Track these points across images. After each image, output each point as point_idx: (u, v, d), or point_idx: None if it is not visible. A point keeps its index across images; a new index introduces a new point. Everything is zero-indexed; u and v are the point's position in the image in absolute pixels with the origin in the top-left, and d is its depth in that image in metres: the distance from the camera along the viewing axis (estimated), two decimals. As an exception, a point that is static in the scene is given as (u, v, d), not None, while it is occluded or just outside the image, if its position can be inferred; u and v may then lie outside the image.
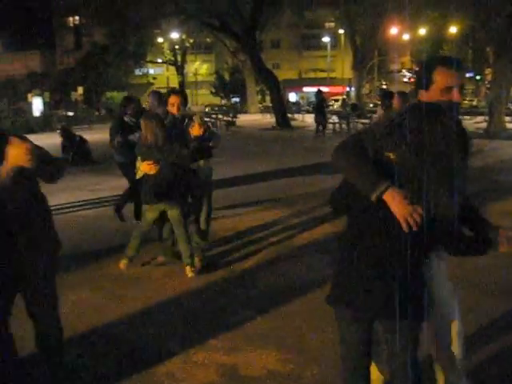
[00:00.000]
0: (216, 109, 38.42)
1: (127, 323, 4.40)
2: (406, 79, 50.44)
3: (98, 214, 8.62)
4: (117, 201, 8.06)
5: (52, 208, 3.19)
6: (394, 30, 36.73)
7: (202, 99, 49.51)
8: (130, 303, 4.79)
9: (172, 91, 5.67)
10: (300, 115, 36.53)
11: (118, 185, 10.65)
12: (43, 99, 35.71)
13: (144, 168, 5.16)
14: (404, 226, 2.21)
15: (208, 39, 48.51)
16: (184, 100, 5.65)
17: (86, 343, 4.06)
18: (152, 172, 5.11)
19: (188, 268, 5.38)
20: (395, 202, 2.22)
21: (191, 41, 45.27)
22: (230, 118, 28.83)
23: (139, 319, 4.47)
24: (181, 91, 5.89)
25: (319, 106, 22.91)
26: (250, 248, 6.36)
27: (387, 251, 2.32)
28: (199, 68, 52.75)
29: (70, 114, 35.23)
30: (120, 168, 7.72)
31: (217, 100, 52.19)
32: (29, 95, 38.38)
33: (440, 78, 2.49)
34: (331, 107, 37.51)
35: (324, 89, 29.17)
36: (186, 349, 3.90)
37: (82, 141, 15.44)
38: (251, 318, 4.39)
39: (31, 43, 62.08)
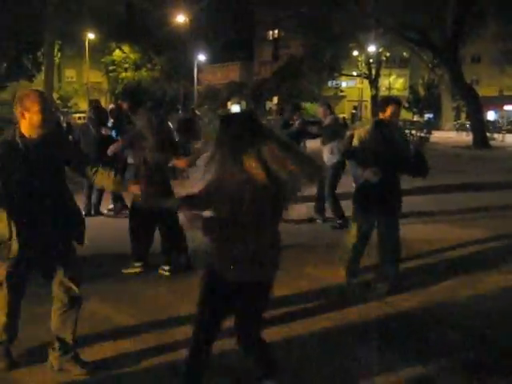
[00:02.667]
0: (409, 124, 37.50)
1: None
2: None
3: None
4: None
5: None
6: None
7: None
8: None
9: (391, 100, 5.59)
10: (500, 135, 34.14)
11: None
12: (241, 107, 37.88)
13: (371, 176, 5.16)
14: None
15: (404, 53, 47.61)
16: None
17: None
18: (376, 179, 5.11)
19: None
20: None
21: (387, 54, 44.80)
22: (423, 134, 27.93)
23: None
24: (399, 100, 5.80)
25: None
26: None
27: None
28: (393, 82, 51.94)
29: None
30: None
31: (409, 115, 50.93)
32: (228, 103, 41.06)
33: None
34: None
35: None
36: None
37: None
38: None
39: (233, 56, 66.26)
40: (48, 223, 3.40)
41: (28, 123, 3.27)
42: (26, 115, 3.26)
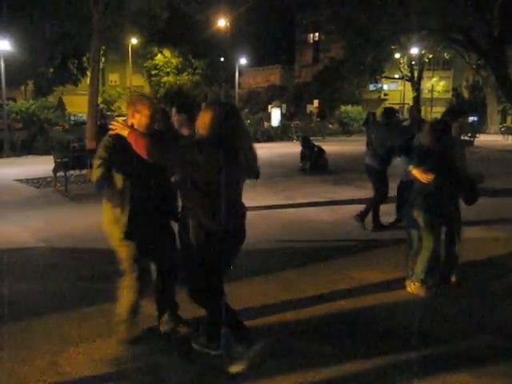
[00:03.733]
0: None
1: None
2: None
3: (337, 219, 8.80)
4: (365, 209, 8.14)
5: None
6: None
7: (437, 116, 47.66)
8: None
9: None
10: (547, 138, 33.15)
11: (352, 195, 10.92)
12: (281, 110, 37.84)
13: (419, 175, 5.07)
14: None
15: (447, 55, 46.71)
16: None
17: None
18: (425, 181, 5.01)
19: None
20: None
21: (430, 56, 44.03)
22: (468, 138, 27.29)
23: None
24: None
25: None
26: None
27: None
28: (436, 84, 51.03)
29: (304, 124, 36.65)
30: (372, 173, 7.92)
31: (452, 118, 49.84)
32: (269, 106, 41.07)
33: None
34: None
35: None
36: None
37: (321, 151, 15.97)
38: None
39: (273, 59, 66.34)
40: (158, 211, 3.99)
41: (136, 123, 3.83)
42: (136, 116, 3.86)
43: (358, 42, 32.68)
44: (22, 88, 35.76)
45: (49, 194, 11.83)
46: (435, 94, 50.17)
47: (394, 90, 54.27)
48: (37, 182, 13.50)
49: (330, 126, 37.90)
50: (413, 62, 44.60)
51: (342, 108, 39.39)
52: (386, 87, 55.38)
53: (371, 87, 53.32)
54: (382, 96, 54.73)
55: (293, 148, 21.39)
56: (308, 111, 44.15)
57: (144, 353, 4.02)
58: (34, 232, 8.12)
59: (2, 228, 8.47)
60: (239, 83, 43.15)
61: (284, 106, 44.25)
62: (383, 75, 47.91)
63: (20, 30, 24.59)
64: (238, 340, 3.73)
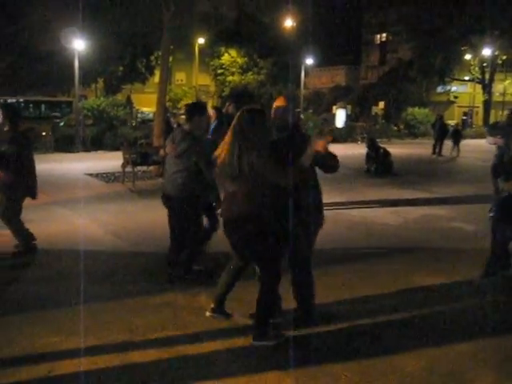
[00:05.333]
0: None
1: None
2: None
3: (401, 222, 8.62)
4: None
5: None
6: None
7: (509, 121, 45.73)
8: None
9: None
10: None
11: (417, 198, 10.74)
12: (346, 111, 37.42)
13: None
14: None
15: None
16: None
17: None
18: None
19: None
20: None
21: (504, 57, 42.44)
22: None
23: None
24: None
25: None
26: None
27: None
28: (508, 87, 49.13)
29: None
30: None
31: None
32: (333, 107, 40.72)
33: None
34: None
35: None
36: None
37: (386, 153, 15.70)
38: None
39: (339, 59, 65.72)
40: None
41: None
42: None
43: (427, 42, 31.89)
44: (93, 86, 36.96)
45: (117, 189, 12.18)
46: (508, 97, 48.30)
47: (463, 92, 52.61)
48: (106, 177, 13.92)
49: (396, 128, 37.16)
50: (484, 64, 43.19)
51: (409, 110, 38.53)
52: (454, 89, 53.75)
53: (439, 89, 51.88)
54: (452, 98, 53.16)
55: (357, 149, 21.15)
56: (373, 113, 43.48)
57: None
58: (102, 224, 8.37)
59: (73, 220, 8.79)
60: (304, 83, 42.97)
61: (349, 107, 43.75)
62: (452, 77, 46.64)
63: (93, 29, 25.43)
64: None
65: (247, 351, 4.01)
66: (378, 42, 67.64)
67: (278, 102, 4.35)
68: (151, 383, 3.61)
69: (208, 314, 4.50)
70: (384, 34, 64.57)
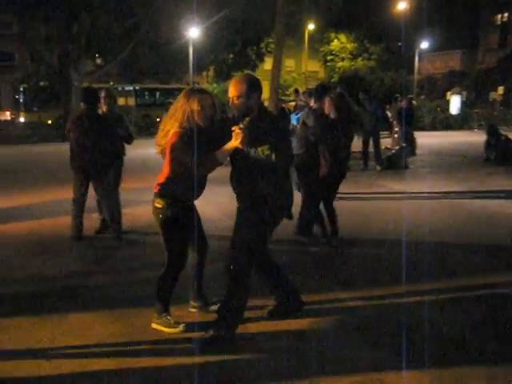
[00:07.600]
0: None
1: None
2: None
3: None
4: None
5: None
6: None
7: None
8: None
9: None
10: None
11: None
12: (461, 97, 35.75)
13: None
14: None
15: None
16: None
17: None
18: None
19: None
20: None
21: None
22: None
23: None
24: None
25: None
26: None
27: None
28: None
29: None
30: None
31: None
32: (448, 93, 39.03)
33: None
34: None
35: None
36: None
37: (508, 140, 14.81)
38: None
39: (454, 43, 62.76)
40: None
41: None
42: None
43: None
44: (204, 73, 37.98)
45: (226, 172, 12.37)
46: None
47: None
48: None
49: (516, 114, 34.95)
50: None
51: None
52: None
53: None
54: None
55: (474, 137, 20.18)
56: (491, 99, 41.17)
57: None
58: (218, 207, 8.57)
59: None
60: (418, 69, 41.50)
61: (464, 93, 41.71)
62: None
63: (206, 17, 25.98)
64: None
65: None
66: (499, 22, 63.70)
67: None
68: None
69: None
70: (506, 14, 60.75)
